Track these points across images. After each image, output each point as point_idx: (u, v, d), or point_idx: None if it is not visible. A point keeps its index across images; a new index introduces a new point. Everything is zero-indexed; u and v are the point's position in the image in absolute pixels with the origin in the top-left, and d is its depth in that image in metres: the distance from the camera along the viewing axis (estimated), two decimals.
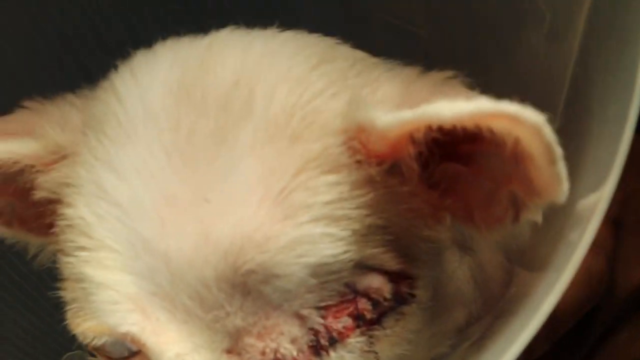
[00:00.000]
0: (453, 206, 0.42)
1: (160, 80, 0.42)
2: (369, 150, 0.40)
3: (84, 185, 0.42)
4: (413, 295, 0.43)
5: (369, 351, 0.43)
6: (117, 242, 0.40)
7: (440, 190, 0.42)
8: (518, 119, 0.34)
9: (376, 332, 0.42)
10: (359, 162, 0.40)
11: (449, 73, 0.42)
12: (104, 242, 0.40)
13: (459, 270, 0.53)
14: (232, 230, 0.38)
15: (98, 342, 0.43)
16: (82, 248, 0.41)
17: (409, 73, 0.44)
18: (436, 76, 0.42)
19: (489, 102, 0.35)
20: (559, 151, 0.35)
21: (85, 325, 0.43)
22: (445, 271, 0.51)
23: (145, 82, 0.43)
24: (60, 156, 0.45)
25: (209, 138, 0.40)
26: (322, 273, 0.39)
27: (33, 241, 0.50)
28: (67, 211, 0.42)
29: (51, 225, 0.46)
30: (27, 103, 0.48)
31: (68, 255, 0.42)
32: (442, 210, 0.42)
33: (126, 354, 0.43)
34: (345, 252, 0.39)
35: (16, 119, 0.47)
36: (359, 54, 0.47)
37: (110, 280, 0.40)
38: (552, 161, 0.35)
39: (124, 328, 0.41)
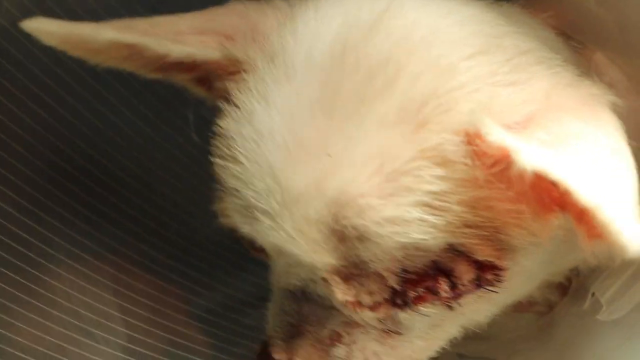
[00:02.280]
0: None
1: (331, 33, 0.46)
2: (481, 155, 0.42)
3: (239, 106, 0.48)
4: (497, 281, 0.46)
5: (451, 308, 0.47)
6: (248, 160, 0.46)
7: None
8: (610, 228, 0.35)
9: (451, 306, 0.47)
10: (469, 162, 0.42)
11: (597, 89, 0.44)
12: (238, 157, 0.47)
13: None
14: (340, 187, 0.43)
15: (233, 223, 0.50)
16: (222, 156, 0.48)
17: (563, 76, 0.45)
18: (585, 90, 0.44)
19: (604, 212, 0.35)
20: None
21: (223, 204, 0.50)
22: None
23: (318, 30, 0.47)
24: (239, 69, 0.50)
25: (349, 101, 0.44)
26: (410, 249, 0.43)
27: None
28: (220, 121, 0.49)
29: None
30: (232, 5, 0.53)
31: (217, 156, 0.49)
32: (549, 213, 0.43)
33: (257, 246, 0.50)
34: (436, 238, 0.43)
35: (223, 14, 0.53)
36: (530, 44, 0.47)
37: (235, 190, 0.47)
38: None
39: (243, 229, 0.49)
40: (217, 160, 0.48)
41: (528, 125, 0.42)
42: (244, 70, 0.49)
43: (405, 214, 0.42)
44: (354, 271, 0.45)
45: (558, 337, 0.64)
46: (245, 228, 0.48)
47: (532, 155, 0.37)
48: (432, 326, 0.50)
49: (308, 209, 0.43)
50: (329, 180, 0.43)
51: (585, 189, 0.35)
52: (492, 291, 0.47)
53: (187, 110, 0.70)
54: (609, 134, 0.41)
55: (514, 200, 0.43)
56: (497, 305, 0.52)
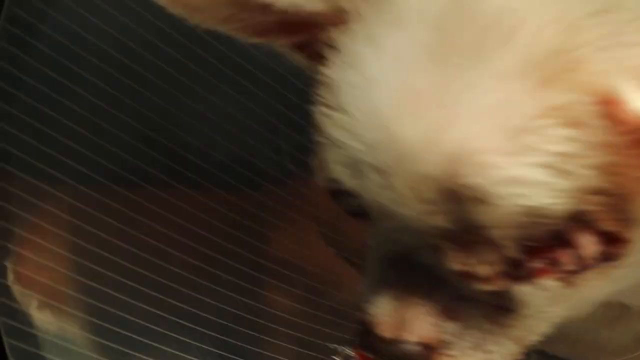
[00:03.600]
0: None
1: None
2: (617, 120, 0.40)
3: (347, 53, 0.45)
4: (621, 256, 0.43)
5: (568, 285, 0.44)
6: (359, 110, 0.43)
7: None
8: None
9: (572, 280, 0.44)
10: (603, 125, 0.40)
11: None
12: (347, 107, 0.44)
13: None
14: (458, 142, 0.40)
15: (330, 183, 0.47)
16: (328, 106, 0.45)
17: None
18: None
19: None
20: None
21: (324, 161, 0.46)
22: None
23: None
24: (345, 19, 0.47)
25: (467, 50, 0.41)
26: (532, 215, 0.40)
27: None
28: (326, 70, 0.46)
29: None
30: None
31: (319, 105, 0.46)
32: None
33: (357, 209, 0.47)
34: (563, 204, 0.40)
35: None
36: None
37: (342, 142, 0.44)
38: None
39: (344, 185, 0.45)
40: (321, 109, 0.46)
41: None
42: (351, 20, 0.47)
43: (529, 174, 0.39)
44: (469, 238, 0.42)
45: None
46: (351, 183, 0.45)
47: None
48: (545, 305, 0.47)
49: (422, 164, 0.41)
50: (445, 133, 0.40)
51: None
52: (613, 267, 0.44)
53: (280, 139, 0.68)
54: None
55: None
56: (614, 284, 0.48)
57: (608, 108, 0.39)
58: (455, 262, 0.43)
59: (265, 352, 0.72)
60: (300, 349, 0.73)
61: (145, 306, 0.68)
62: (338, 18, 0.48)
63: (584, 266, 0.43)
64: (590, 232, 0.42)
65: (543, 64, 0.40)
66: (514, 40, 0.40)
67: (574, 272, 0.43)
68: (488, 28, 0.41)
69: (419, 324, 0.46)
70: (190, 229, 0.72)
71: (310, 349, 0.72)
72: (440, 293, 0.46)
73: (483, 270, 0.43)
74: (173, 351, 0.71)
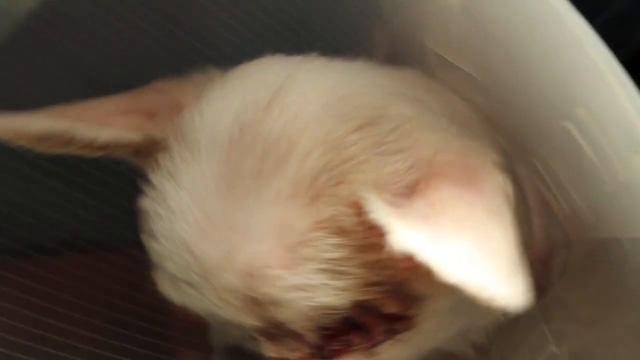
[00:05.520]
0: None
1: (230, 112, 0.49)
2: (368, 225, 0.45)
3: (154, 185, 0.51)
4: (411, 328, 0.50)
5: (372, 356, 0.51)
6: (165, 237, 0.49)
7: None
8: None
9: (371, 351, 0.50)
10: (362, 230, 0.46)
11: (481, 149, 0.47)
12: (156, 235, 0.50)
13: None
14: (246, 260, 0.46)
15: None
16: (146, 233, 0.51)
17: (447, 140, 0.48)
18: (468, 146, 0.47)
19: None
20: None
21: (158, 277, 0.52)
22: None
23: (220, 109, 0.50)
24: (157, 148, 0.53)
25: (250, 176, 0.47)
26: (321, 309, 0.47)
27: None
28: (143, 200, 0.52)
29: None
30: (156, 84, 0.56)
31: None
32: None
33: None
34: (343, 298, 0.46)
35: (147, 92, 0.56)
36: (417, 109, 0.50)
37: (159, 264, 0.50)
38: None
39: (171, 298, 0.52)
40: (143, 236, 0.52)
41: (412, 193, 0.45)
42: (162, 149, 0.52)
43: (308, 280, 0.46)
44: (275, 331, 0.49)
45: None
46: (174, 296, 0.52)
47: (402, 236, 0.40)
48: None
49: (223, 279, 0.47)
50: (236, 253, 0.46)
51: (450, 268, 0.38)
52: (406, 337, 0.51)
53: None
54: (485, 195, 0.44)
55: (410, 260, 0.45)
56: (418, 348, 0.55)
57: (363, 216, 0.45)
58: (270, 351, 0.50)
59: None
60: None
61: None
62: (152, 148, 0.53)
63: (374, 343, 0.50)
64: (375, 315, 0.48)
65: (312, 182, 0.46)
66: (286, 164, 0.46)
67: (368, 348, 0.50)
68: (266, 155, 0.47)
69: None
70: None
71: None
72: None
73: (293, 356, 0.50)
74: None
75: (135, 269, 0.57)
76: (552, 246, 0.64)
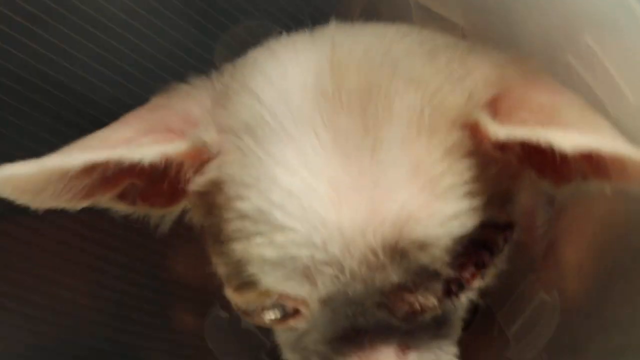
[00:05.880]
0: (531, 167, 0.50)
1: (297, 82, 0.48)
2: (488, 140, 0.46)
3: (255, 180, 0.47)
4: (513, 237, 0.52)
5: (480, 286, 0.52)
6: (293, 220, 0.45)
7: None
8: (628, 160, 0.41)
9: (488, 271, 0.51)
10: (482, 147, 0.47)
11: (532, 63, 0.50)
12: (283, 225, 0.46)
13: None
14: (398, 209, 0.45)
15: (259, 306, 0.51)
16: (258, 233, 0.46)
17: (497, 58, 0.51)
18: (524, 66, 0.50)
19: (609, 142, 0.41)
20: None
21: (250, 295, 0.50)
22: None
23: (281, 85, 0.48)
24: (208, 155, 0.49)
25: (360, 135, 0.46)
26: (460, 239, 0.47)
27: (154, 213, 0.55)
28: (238, 204, 0.47)
29: (174, 197, 0.53)
30: (155, 98, 0.53)
31: (237, 241, 0.48)
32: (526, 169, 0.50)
33: (279, 316, 0.51)
34: (478, 218, 0.47)
35: (155, 114, 0.52)
36: (450, 39, 0.53)
37: (285, 256, 0.46)
38: None
39: (291, 294, 0.48)
40: (240, 243, 0.47)
41: (497, 108, 0.47)
42: (220, 153, 0.49)
43: (455, 209, 0.46)
44: (417, 281, 0.48)
45: None
46: (293, 291, 0.48)
47: (566, 139, 0.41)
48: (465, 308, 0.54)
49: (367, 241, 0.45)
50: (384, 206, 0.45)
51: (612, 147, 0.41)
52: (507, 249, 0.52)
53: None
54: (566, 92, 0.47)
55: (512, 167, 0.49)
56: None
57: (479, 132, 0.46)
58: (404, 306, 0.49)
59: None
60: None
61: None
62: (204, 155, 0.49)
63: (495, 256, 0.51)
64: (493, 229, 0.49)
65: (420, 118, 0.46)
66: (390, 110, 0.46)
67: (489, 265, 0.50)
68: (364, 107, 0.46)
69: None
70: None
71: None
72: (393, 338, 0.50)
73: (432, 301, 0.49)
74: None
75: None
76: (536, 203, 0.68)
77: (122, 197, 0.53)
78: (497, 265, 0.52)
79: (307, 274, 0.47)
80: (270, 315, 0.51)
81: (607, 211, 0.59)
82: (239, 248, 0.47)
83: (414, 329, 0.51)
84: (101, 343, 0.70)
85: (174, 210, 0.55)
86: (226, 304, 0.59)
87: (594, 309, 0.59)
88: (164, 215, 0.55)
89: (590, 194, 0.48)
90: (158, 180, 0.51)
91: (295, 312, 0.50)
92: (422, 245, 0.46)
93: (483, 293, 0.64)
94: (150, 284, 0.74)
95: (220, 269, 0.51)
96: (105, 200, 0.52)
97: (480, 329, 0.68)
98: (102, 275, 0.72)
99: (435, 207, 0.45)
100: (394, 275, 0.47)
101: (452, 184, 0.46)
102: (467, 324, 0.63)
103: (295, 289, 0.47)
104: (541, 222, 0.68)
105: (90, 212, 0.52)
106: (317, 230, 0.45)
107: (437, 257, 0.46)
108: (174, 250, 0.78)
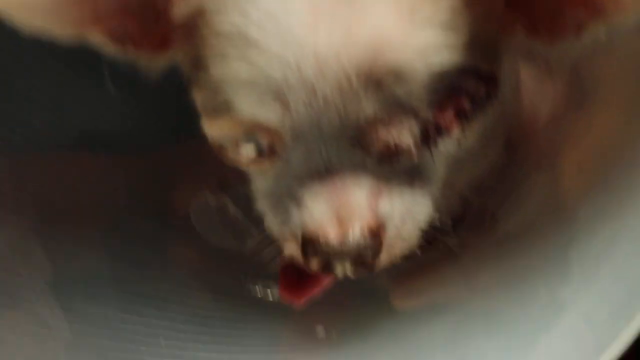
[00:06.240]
0: (522, 19, 0.50)
1: None
2: None
3: (235, 0, 0.46)
4: (497, 93, 0.51)
5: (460, 143, 0.52)
6: (269, 39, 0.45)
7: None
8: None
9: (469, 125, 0.50)
10: None
11: None
12: (257, 41, 0.46)
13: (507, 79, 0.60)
14: (374, 31, 0.45)
15: (234, 136, 0.50)
16: (234, 52, 0.47)
17: None
18: None
19: None
20: None
21: (224, 122, 0.49)
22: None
23: None
24: None
25: None
26: (438, 76, 0.46)
27: (145, 59, 0.55)
28: (217, 18, 0.47)
29: (163, 41, 0.53)
30: None
31: (213, 58, 0.48)
32: (515, 22, 0.50)
33: (254, 154, 0.51)
34: (457, 58, 0.46)
35: None
36: None
37: (259, 75, 0.46)
38: None
39: (263, 119, 0.48)
40: (217, 66, 0.47)
41: None
42: None
43: (432, 40, 0.45)
44: (391, 114, 0.47)
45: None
46: (263, 112, 0.47)
47: None
48: (443, 166, 0.53)
49: (342, 63, 0.45)
50: (361, 27, 0.44)
51: None
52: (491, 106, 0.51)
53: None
54: None
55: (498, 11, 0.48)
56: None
57: None
58: (380, 141, 0.48)
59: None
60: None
61: None
62: None
63: (476, 107, 0.49)
64: (474, 77, 0.48)
65: None
66: None
67: (470, 117, 0.50)
68: None
69: (359, 214, 0.50)
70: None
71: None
72: (367, 181, 0.50)
73: (407, 140, 0.48)
74: None
75: None
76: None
77: (114, 40, 0.52)
78: (479, 123, 0.52)
79: (280, 96, 0.46)
80: (246, 150, 0.51)
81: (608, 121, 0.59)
82: (216, 70, 0.48)
83: (389, 175, 0.50)
84: None
85: (164, 58, 0.54)
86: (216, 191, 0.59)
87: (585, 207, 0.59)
88: (154, 63, 0.55)
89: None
90: (148, 21, 0.51)
91: (271, 152, 0.50)
92: (397, 76, 0.45)
93: (480, 191, 0.65)
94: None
95: (198, 98, 0.51)
96: (98, 38, 0.52)
97: (474, 224, 0.69)
98: None
99: (412, 35, 0.45)
100: (368, 107, 0.46)
101: (431, 15, 0.45)
102: (461, 219, 0.66)
103: (268, 114, 0.47)
104: (544, 117, 0.68)
105: None
106: (291, 49, 0.45)
107: (413, 91, 0.46)
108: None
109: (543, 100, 0.68)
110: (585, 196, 0.59)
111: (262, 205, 0.55)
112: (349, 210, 0.49)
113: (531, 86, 0.68)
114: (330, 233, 0.49)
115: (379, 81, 0.45)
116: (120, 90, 0.72)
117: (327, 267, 0.51)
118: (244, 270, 0.70)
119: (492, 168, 0.67)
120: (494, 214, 0.66)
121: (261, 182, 0.55)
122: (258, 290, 0.68)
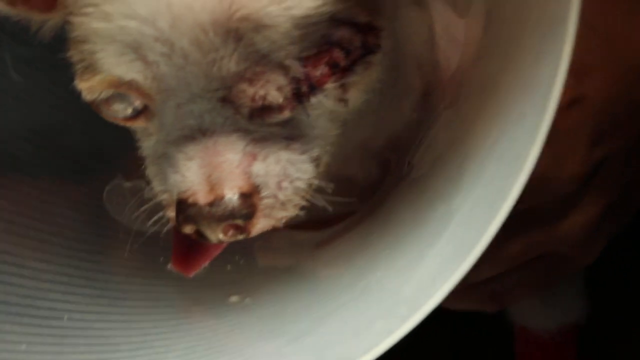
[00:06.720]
0: None
1: None
2: None
3: None
4: (378, 45, 0.50)
5: (341, 99, 0.50)
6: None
7: None
8: None
9: (348, 79, 0.50)
10: None
11: None
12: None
13: (417, 31, 0.61)
14: None
15: (105, 95, 0.49)
16: (91, 5, 0.46)
17: None
18: None
19: None
20: None
21: (93, 81, 0.49)
22: (403, 29, 0.59)
23: None
24: None
25: None
26: (303, 25, 0.46)
27: (35, 17, 0.55)
28: None
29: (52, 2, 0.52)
30: None
31: (78, 15, 0.48)
32: None
33: (130, 113, 0.50)
34: (323, 5, 0.46)
35: None
36: None
37: (115, 30, 0.46)
38: None
39: (128, 76, 0.48)
40: (82, 24, 0.48)
41: None
42: None
43: None
44: (257, 70, 0.47)
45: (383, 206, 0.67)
46: (123, 70, 0.47)
47: None
48: (327, 123, 0.53)
49: (198, 17, 0.44)
50: None
51: None
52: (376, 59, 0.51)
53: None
54: None
55: None
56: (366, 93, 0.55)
57: None
58: (250, 100, 0.47)
59: None
60: None
61: None
62: None
63: (353, 58, 0.49)
64: (350, 27, 0.48)
65: None
66: None
67: (347, 69, 0.49)
68: None
69: (230, 177, 0.49)
70: None
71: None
72: (240, 143, 0.49)
73: (276, 97, 0.48)
74: None
75: None
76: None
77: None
78: (366, 76, 0.51)
79: (140, 53, 0.46)
80: (119, 108, 0.50)
81: None
82: (79, 27, 0.48)
83: (265, 135, 0.50)
84: None
85: (53, 18, 0.54)
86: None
87: None
88: (44, 22, 0.55)
89: None
90: None
91: (145, 110, 0.50)
92: (257, 26, 0.45)
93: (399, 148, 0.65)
94: None
95: (72, 59, 0.51)
96: None
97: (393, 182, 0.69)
98: None
99: None
100: (230, 61, 0.46)
101: None
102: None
103: (132, 72, 0.47)
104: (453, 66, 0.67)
105: None
106: (145, 2, 0.44)
107: (277, 42, 0.46)
108: None
109: (458, 49, 0.68)
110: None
111: (149, 171, 0.55)
112: (220, 174, 0.49)
113: (445, 36, 0.67)
114: (200, 197, 0.48)
115: (238, 33, 0.45)
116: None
117: (200, 233, 0.50)
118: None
119: (408, 124, 0.68)
120: (409, 163, 0.66)
121: (147, 146, 0.54)
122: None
